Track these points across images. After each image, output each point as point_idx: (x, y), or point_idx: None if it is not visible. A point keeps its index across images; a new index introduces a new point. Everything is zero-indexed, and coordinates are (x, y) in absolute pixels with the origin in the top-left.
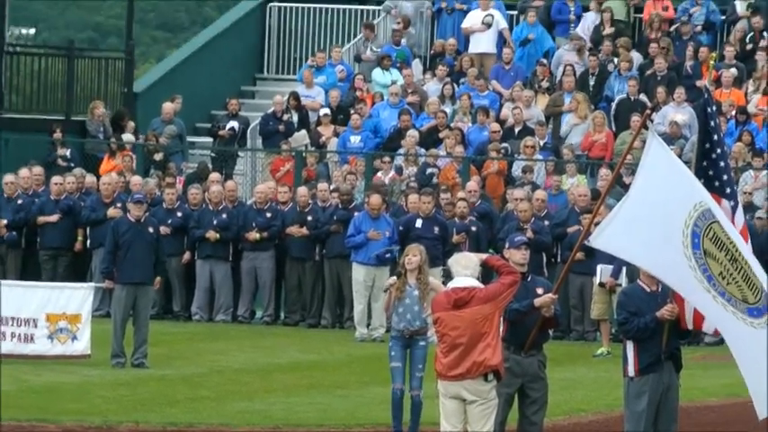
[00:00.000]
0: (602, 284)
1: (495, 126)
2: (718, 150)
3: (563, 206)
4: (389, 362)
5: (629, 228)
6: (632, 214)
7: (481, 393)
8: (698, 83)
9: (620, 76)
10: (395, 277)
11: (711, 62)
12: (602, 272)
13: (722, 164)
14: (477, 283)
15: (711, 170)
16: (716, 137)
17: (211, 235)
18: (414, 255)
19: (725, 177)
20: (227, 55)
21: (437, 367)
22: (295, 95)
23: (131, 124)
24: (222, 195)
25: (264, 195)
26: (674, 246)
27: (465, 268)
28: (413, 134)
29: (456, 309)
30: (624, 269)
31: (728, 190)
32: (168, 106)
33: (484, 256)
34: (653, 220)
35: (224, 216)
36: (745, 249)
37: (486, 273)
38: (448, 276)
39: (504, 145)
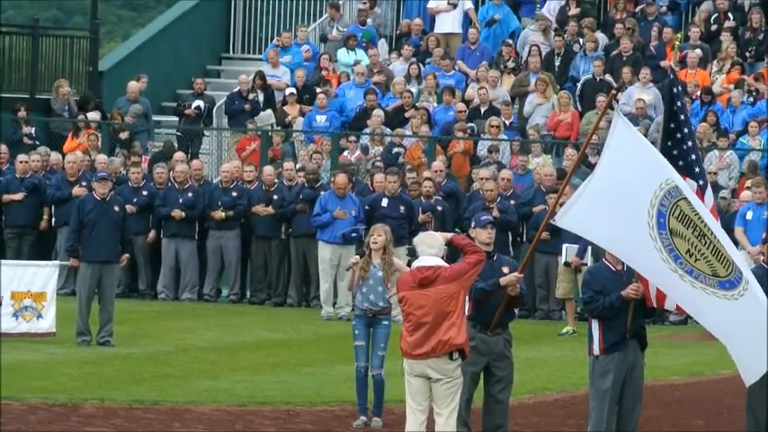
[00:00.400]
0: (567, 264)
1: (461, 106)
2: (685, 130)
3: (529, 186)
4: (353, 340)
5: (594, 208)
6: (597, 194)
7: (446, 372)
8: (663, 63)
9: (586, 56)
10: (357, 256)
11: (676, 43)
12: (568, 251)
13: (688, 144)
14: (442, 263)
15: (676, 150)
16: (681, 117)
17: (177, 214)
18: (378, 235)
19: (691, 158)
20: (192, 34)
21: (402, 346)
22: (261, 75)
23: (98, 105)
24: (188, 174)
25: (230, 174)
26: (639, 227)
27: (430, 247)
28: (378, 114)
29: (421, 288)
30: (589, 248)
31: (696, 170)
32: (134, 85)
33: (449, 235)
34: (618, 201)
35: (189, 195)
36: (715, 225)
37: (453, 252)
38: (413, 255)
39: (471, 125)
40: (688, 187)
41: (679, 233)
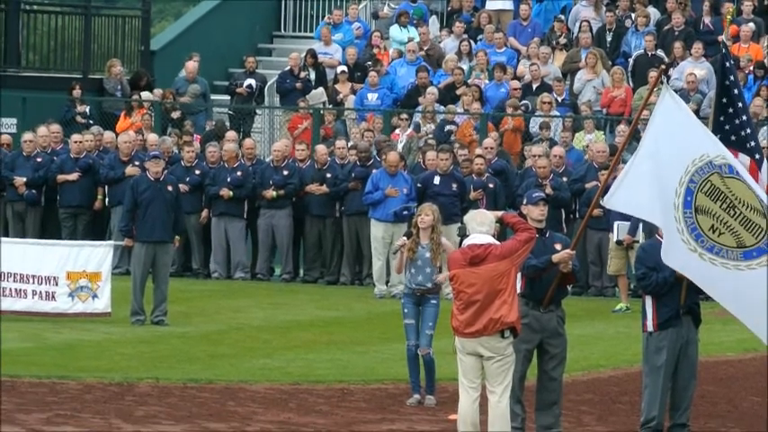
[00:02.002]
0: (619, 242)
1: (515, 83)
2: (738, 105)
3: (576, 162)
4: (403, 319)
5: (640, 184)
6: (641, 172)
7: (498, 350)
8: (716, 38)
9: (638, 31)
10: (404, 238)
11: (729, 17)
12: (619, 229)
13: (742, 118)
14: (493, 240)
15: (728, 125)
16: (734, 91)
17: (225, 193)
18: (426, 214)
19: (743, 132)
20: (244, 12)
21: (453, 324)
22: (312, 53)
23: (151, 82)
24: (236, 153)
25: (282, 153)
26: (666, 207)
27: (480, 225)
28: (432, 91)
29: (472, 266)
30: (641, 225)
31: (749, 144)
32: (191, 65)
33: (500, 213)
34: (657, 177)
35: (238, 174)
36: (750, 192)
37: (504, 230)
38: (464, 235)
39: (524, 102)
40: (731, 158)
41: (705, 209)
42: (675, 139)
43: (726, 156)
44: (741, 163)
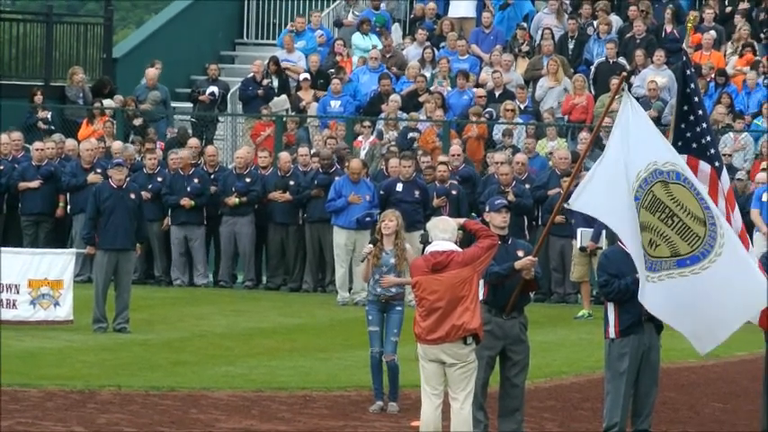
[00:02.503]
0: (582, 248)
1: (480, 91)
2: (699, 113)
3: (540, 169)
4: (367, 326)
5: (605, 189)
6: (606, 176)
7: (461, 356)
8: (678, 45)
9: (599, 39)
10: (371, 245)
11: (690, 24)
12: (582, 235)
13: (702, 126)
14: (455, 247)
15: (689, 132)
16: (695, 99)
17: (186, 202)
18: (390, 220)
19: (705, 140)
20: (206, 20)
21: (416, 330)
22: (275, 60)
23: (114, 90)
24: (192, 161)
25: (244, 160)
26: (630, 219)
27: (443, 232)
28: (395, 98)
29: (434, 273)
30: (604, 232)
31: (709, 152)
32: (152, 72)
33: (462, 220)
34: (620, 184)
35: (195, 180)
36: (695, 200)
37: (467, 237)
38: (426, 242)
39: (489, 109)
40: (682, 165)
41: (646, 225)
42: (631, 150)
43: (676, 163)
44: (702, 171)
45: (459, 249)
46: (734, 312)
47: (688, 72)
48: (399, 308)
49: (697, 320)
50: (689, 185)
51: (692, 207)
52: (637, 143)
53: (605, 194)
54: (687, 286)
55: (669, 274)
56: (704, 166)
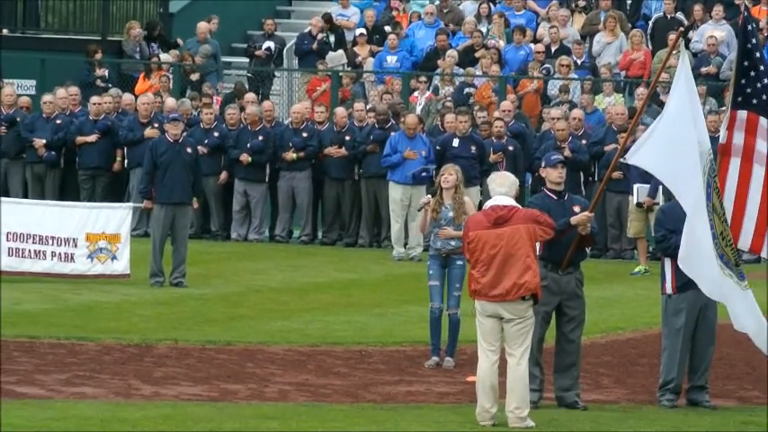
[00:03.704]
0: (639, 204)
1: (540, 47)
2: (761, 68)
3: (598, 124)
4: (428, 280)
5: (665, 147)
6: (666, 134)
7: (519, 312)
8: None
9: None
10: (429, 196)
11: None
12: (639, 191)
13: (763, 82)
14: (515, 203)
15: (749, 88)
16: (756, 54)
17: (244, 158)
18: (449, 174)
19: (765, 96)
20: None
21: (474, 287)
22: (327, 17)
23: (176, 43)
24: (258, 116)
25: (301, 115)
26: (698, 189)
27: (501, 186)
28: (451, 54)
29: (496, 226)
30: (661, 187)
31: None
32: (203, 26)
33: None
34: (681, 144)
35: (260, 138)
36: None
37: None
38: (486, 197)
39: (545, 65)
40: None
41: (717, 211)
42: (695, 120)
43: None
44: (762, 126)
45: (519, 206)
46: None
47: (749, 27)
48: (460, 262)
49: (757, 322)
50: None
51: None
52: (699, 118)
53: (664, 152)
54: (744, 297)
55: (739, 284)
56: (764, 122)
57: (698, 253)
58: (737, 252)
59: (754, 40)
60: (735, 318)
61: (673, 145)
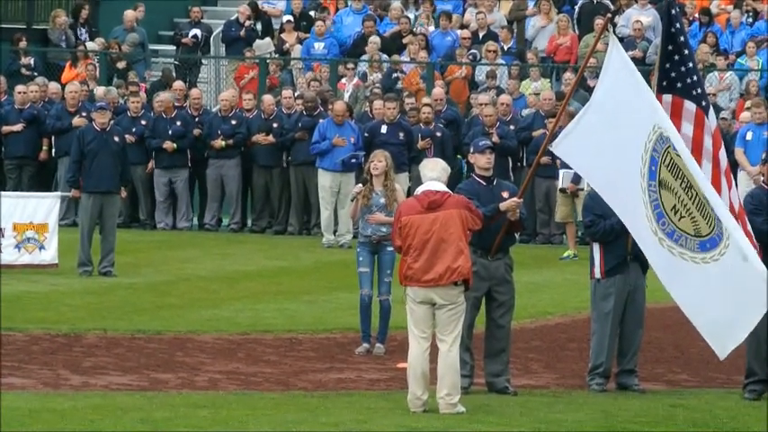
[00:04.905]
0: (563, 190)
1: (465, 32)
2: (684, 52)
3: (526, 109)
4: (357, 267)
5: (590, 141)
6: (593, 127)
7: (451, 297)
8: None
9: None
10: (360, 185)
11: None
12: (564, 177)
13: (687, 66)
14: (446, 189)
15: (674, 72)
16: (680, 39)
17: (168, 146)
18: (379, 160)
19: (689, 80)
20: None
21: (407, 272)
22: (253, 5)
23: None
24: (173, 103)
25: (230, 103)
26: (631, 174)
27: (432, 171)
28: (374, 40)
29: (429, 211)
30: None
31: (695, 92)
32: (130, 14)
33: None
34: (613, 139)
35: (178, 123)
36: (700, 175)
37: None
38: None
39: (473, 51)
40: (675, 133)
41: (668, 185)
42: (631, 100)
43: (668, 129)
44: (687, 110)
45: (451, 192)
46: (748, 307)
47: (673, 11)
48: (390, 248)
49: (714, 316)
50: (683, 157)
51: (694, 184)
52: (638, 98)
53: (590, 146)
54: (712, 275)
55: (693, 258)
56: (689, 105)
57: (637, 233)
58: (712, 220)
59: (678, 25)
60: (678, 300)
61: (598, 134)
